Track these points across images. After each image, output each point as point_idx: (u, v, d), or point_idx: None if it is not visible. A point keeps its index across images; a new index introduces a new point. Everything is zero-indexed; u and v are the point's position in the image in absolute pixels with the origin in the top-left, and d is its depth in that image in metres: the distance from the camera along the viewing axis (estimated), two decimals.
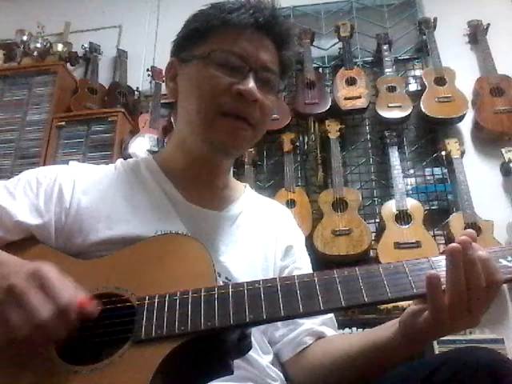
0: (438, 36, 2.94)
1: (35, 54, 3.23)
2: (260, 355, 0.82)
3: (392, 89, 2.80)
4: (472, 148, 2.72)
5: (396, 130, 2.75)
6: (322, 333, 0.88)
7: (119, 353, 0.61)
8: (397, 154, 2.62)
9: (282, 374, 0.86)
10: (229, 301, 0.64)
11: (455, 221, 2.40)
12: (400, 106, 2.74)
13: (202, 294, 0.64)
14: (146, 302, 0.65)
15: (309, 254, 1.01)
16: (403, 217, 2.44)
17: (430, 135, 2.84)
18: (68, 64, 3.27)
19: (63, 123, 2.91)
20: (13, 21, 3.41)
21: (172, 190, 0.88)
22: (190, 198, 0.87)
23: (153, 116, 2.93)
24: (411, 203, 2.49)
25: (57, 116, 2.93)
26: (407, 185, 2.68)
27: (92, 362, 0.62)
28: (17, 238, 0.79)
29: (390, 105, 2.75)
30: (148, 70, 3.11)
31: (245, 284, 0.66)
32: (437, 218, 2.56)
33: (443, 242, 2.45)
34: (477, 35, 2.95)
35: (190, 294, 0.65)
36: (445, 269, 0.63)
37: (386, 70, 2.89)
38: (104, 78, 3.29)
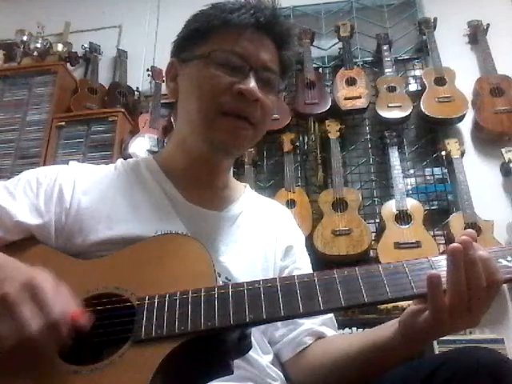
0: (438, 36, 2.94)
1: (35, 54, 3.23)
2: (260, 355, 0.82)
3: (392, 89, 2.80)
4: (472, 148, 2.72)
5: (396, 130, 2.75)
6: (321, 333, 0.88)
7: (119, 353, 0.61)
8: (397, 154, 2.62)
9: (282, 374, 0.86)
10: (229, 301, 0.64)
11: (455, 221, 2.40)
12: (400, 106, 2.74)
13: (202, 293, 0.64)
14: (146, 301, 0.65)
15: (309, 254, 1.01)
16: (403, 217, 2.44)
17: (430, 135, 2.84)
18: (68, 64, 3.27)
19: (63, 123, 2.91)
20: (13, 21, 3.41)
21: (172, 190, 0.88)
22: (190, 198, 0.87)
23: (153, 116, 2.93)
24: (411, 203, 2.49)
25: (57, 116, 2.93)
26: (407, 185, 2.68)
27: (92, 361, 0.62)
28: (17, 238, 0.79)
29: (390, 105, 2.75)
30: (148, 69, 3.11)
31: (245, 284, 0.66)
32: (437, 218, 2.56)
33: (443, 242, 2.45)
34: (477, 35, 2.95)
35: (190, 293, 0.65)
36: (445, 269, 0.63)
37: (386, 70, 2.89)
38: (104, 77, 3.29)
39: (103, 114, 2.95)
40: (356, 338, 0.82)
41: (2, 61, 3.30)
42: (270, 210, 1.01)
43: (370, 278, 0.64)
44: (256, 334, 0.81)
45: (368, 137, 2.90)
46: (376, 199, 2.72)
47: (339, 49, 3.11)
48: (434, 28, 2.98)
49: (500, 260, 0.64)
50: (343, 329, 2.02)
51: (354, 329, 2.05)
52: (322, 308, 0.63)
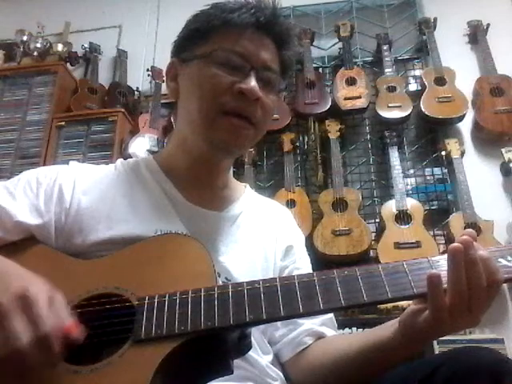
0: (438, 36, 2.94)
1: (35, 53, 3.23)
2: (260, 355, 0.82)
3: (392, 89, 2.80)
4: (472, 148, 2.72)
5: (396, 130, 2.75)
6: (321, 333, 0.89)
7: (119, 353, 0.61)
8: (397, 153, 2.62)
9: (281, 374, 0.86)
10: (229, 301, 0.64)
11: (455, 221, 2.40)
12: (400, 106, 2.74)
13: (202, 293, 0.64)
14: (146, 301, 0.65)
15: (309, 254, 1.01)
16: (403, 217, 2.44)
17: (430, 135, 2.84)
18: (68, 64, 3.27)
19: (63, 123, 2.91)
20: (13, 21, 3.41)
21: (172, 190, 0.88)
22: (190, 198, 0.87)
23: (153, 116, 2.93)
24: (411, 203, 2.49)
25: (57, 116, 2.93)
26: (407, 185, 2.68)
27: (92, 361, 0.62)
28: (17, 238, 0.79)
29: (390, 105, 2.75)
30: (148, 69, 3.11)
31: (244, 284, 0.66)
32: (437, 218, 2.56)
33: (443, 242, 2.45)
34: (477, 35, 2.95)
35: (190, 293, 0.65)
36: (444, 268, 0.63)
37: (386, 70, 2.89)
38: (104, 77, 3.29)
39: (103, 114, 2.96)
40: (356, 338, 0.81)
41: (2, 61, 3.30)
42: (270, 210, 1.01)
43: (369, 277, 0.64)
44: (256, 333, 0.81)
45: (368, 137, 2.90)
46: (376, 199, 2.72)
47: (339, 49, 3.11)
48: (434, 28, 2.98)
49: (500, 260, 0.64)
50: (343, 329, 2.02)
51: (354, 329, 2.05)
52: (321, 308, 0.63)
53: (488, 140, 2.70)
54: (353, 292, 0.63)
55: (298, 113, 2.86)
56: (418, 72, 3.03)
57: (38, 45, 3.24)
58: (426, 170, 2.78)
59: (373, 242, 2.44)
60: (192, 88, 0.86)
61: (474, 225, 2.32)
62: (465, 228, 2.31)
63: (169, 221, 0.83)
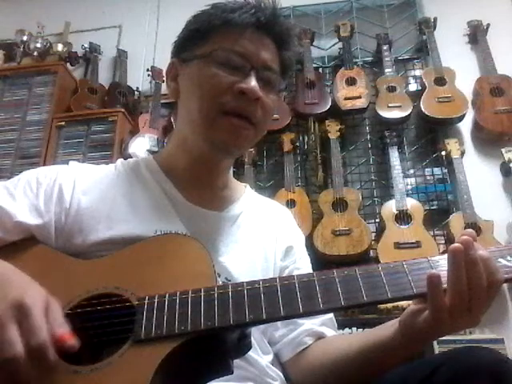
0: (438, 36, 2.94)
1: (35, 53, 3.23)
2: (260, 355, 0.82)
3: (392, 89, 2.80)
4: (472, 148, 2.72)
5: (396, 130, 2.75)
6: (321, 333, 0.89)
7: (119, 353, 0.61)
8: (397, 153, 2.62)
9: (281, 374, 0.86)
10: (228, 301, 0.64)
11: (455, 221, 2.40)
12: (400, 106, 2.74)
13: (202, 293, 0.64)
14: (146, 301, 0.65)
15: (309, 254, 1.01)
16: (403, 217, 2.44)
17: (430, 135, 2.84)
18: (68, 64, 3.27)
19: (63, 123, 2.91)
20: (13, 21, 3.41)
21: (172, 190, 0.88)
22: (190, 198, 0.87)
23: (153, 116, 2.93)
24: (411, 203, 2.49)
25: (57, 116, 2.93)
26: (407, 185, 2.68)
27: (92, 361, 0.62)
28: (16, 238, 0.79)
29: (390, 105, 2.75)
30: (148, 69, 3.11)
31: (244, 284, 0.66)
32: (437, 218, 2.56)
33: (443, 242, 2.45)
34: (477, 35, 2.95)
35: (190, 293, 0.65)
36: (444, 268, 0.63)
37: (386, 70, 2.89)
38: (104, 77, 3.29)
39: (103, 114, 2.95)
40: (356, 338, 0.82)
41: (2, 61, 3.30)
42: (270, 211, 1.01)
43: (369, 277, 0.64)
44: (256, 334, 0.81)
45: (368, 137, 2.90)
46: (376, 199, 2.72)
47: (339, 49, 3.11)
48: (434, 28, 2.98)
49: (500, 260, 0.64)
50: (343, 329, 2.02)
51: (354, 329, 2.05)
52: (321, 308, 0.63)
53: (488, 140, 2.70)
54: (353, 292, 0.63)
55: (297, 113, 2.86)
56: (418, 72, 3.03)
57: (38, 45, 3.24)
58: (426, 170, 2.78)
59: (373, 242, 2.44)
60: (192, 88, 0.86)
61: (473, 225, 2.32)
62: (465, 228, 2.31)
63: (169, 221, 0.83)
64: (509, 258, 0.65)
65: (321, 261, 2.37)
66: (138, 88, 3.19)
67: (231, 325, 0.62)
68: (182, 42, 0.90)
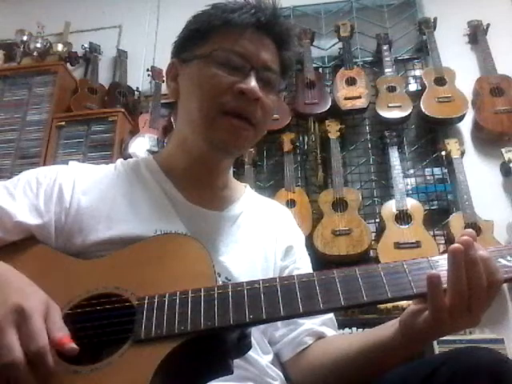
0: (438, 36, 2.94)
1: (35, 54, 3.23)
2: (260, 355, 0.82)
3: (392, 89, 2.80)
4: (472, 148, 2.72)
5: (396, 130, 2.75)
6: (322, 333, 0.89)
7: (119, 353, 0.61)
8: (397, 153, 2.62)
9: (281, 374, 0.86)
10: (228, 301, 0.64)
11: (455, 221, 2.40)
12: (400, 106, 2.74)
13: (202, 293, 0.64)
14: (146, 301, 0.65)
15: (309, 254, 1.01)
16: (403, 217, 2.44)
17: (430, 135, 2.84)
18: (68, 64, 3.27)
19: (63, 123, 2.91)
20: (13, 21, 3.41)
21: (172, 190, 0.88)
22: (190, 198, 0.87)
23: (153, 116, 2.93)
24: (411, 203, 2.49)
25: (57, 116, 2.93)
26: (407, 185, 2.68)
27: (92, 361, 0.62)
28: (17, 238, 0.79)
29: (390, 105, 2.75)
30: (148, 69, 3.11)
31: (244, 284, 0.66)
32: (437, 218, 2.56)
33: (443, 242, 2.45)
34: (477, 35, 2.95)
35: (190, 293, 0.65)
36: (444, 268, 0.63)
37: (386, 70, 2.89)
38: (104, 77, 3.29)
39: (103, 114, 2.95)
40: (356, 338, 0.81)
41: (2, 61, 3.30)
42: (271, 210, 1.01)
43: (369, 277, 0.64)
44: (256, 333, 0.81)
45: (368, 137, 2.90)
46: (376, 199, 2.72)
47: (339, 49, 3.11)
48: (434, 28, 2.98)
49: (500, 260, 0.64)
50: (343, 329, 2.02)
51: (354, 329, 2.05)
52: (321, 308, 0.63)
53: (488, 140, 2.69)
54: (353, 292, 0.63)
55: (297, 113, 2.86)
56: (418, 72, 3.03)
57: (38, 45, 3.24)
58: (426, 170, 2.78)
59: (373, 242, 2.44)
60: (192, 88, 0.86)
61: (474, 225, 2.32)
62: (465, 228, 2.31)
63: (169, 221, 0.83)
64: (509, 257, 0.65)
65: (321, 261, 2.37)
66: (137, 88, 3.19)
67: (231, 325, 0.62)
68: (182, 42, 0.90)
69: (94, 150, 2.84)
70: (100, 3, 3.50)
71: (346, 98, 2.80)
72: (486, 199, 2.49)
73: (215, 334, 0.63)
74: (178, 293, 0.65)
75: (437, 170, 2.74)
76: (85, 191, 0.84)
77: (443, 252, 2.24)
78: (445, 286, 0.62)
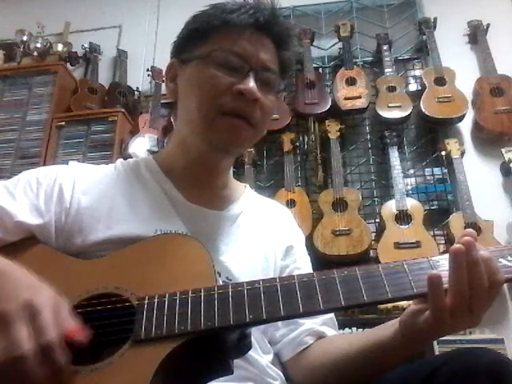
0: (438, 36, 2.94)
1: (35, 54, 3.23)
2: (260, 355, 0.82)
3: (392, 89, 2.80)
4: (472, 148, 2.72)
5: (396, 130, 2.76)
6: (322, 333, 0.89)
7: (119, 353, 0.61)
8: (397, 153, 2.62)
9: (282, 374, 0.86)
10: (228, 301, 0.64)
11: (455, 221, 2.40)
12: (400, 106, 2.74)
13: (202, 293, 0.64)
14: (146, 301, 0.65)
15: (309, 254, 1.01)
16: (403, 217, 2.44)
17: (430, 135, 2.84)
18: (68, 64, 3.27)
19: (63, 123, 2.91)
20: (13, 21, 3.41)
21: (172, 190, 0.88)
22: (190, 198, 0.87)
23: (153, 116, 2.93)
24: (411, 203, 2.49)
25: (57, 116, 2.93)
26: (407, 185, 2.69)
27: (92, 361, 0.62)
28: (17, 238, 0.79)
29: (390, 105, 2.75)
30: (148, 69, 3.11)
31: (244, 284, 0.66)
32: (437, 218, 2.56)
33: (443, 242, 2.45)
34: (477, 35, 2.95)
35: (190, 293, 0.65)
36: (445, 268, 0.63)
37: (386, 70, 2.89)
38: (104, 77, 3.29)
39: (103, 114, 2.96)
40: (356, 338, 0.81)
41: (2, 61, 3.30)
42: (270, 210, 1.01)
43: (369, 277, 0.64)
44: (256, 333, 0.81)
45: (368, 137, 2.90)
46: (376, 199, 2.72)
47: (339, 49, 3.11)
48: (434, 28, 2.98)
49: (500, 260, 0.64)
50: (343, 329, 2.02)
51: (354, 329, 2.05)
52: (321, 308, 0.63)
53: (488, 140, 2.70)
54: (353, 292, 0.63)
55: (297, 113, 2.86)
56: (418, 72, 3.03)
57: (38, 45, 3.24)
58: (426, 170, 2.78)
59: (373, 242, 2.44)
60: (191, 89, 0.86)
61: (474, 225, 2.32)
62: (465, 228, 2.31)
63: (169, 221, 0.83)
64: (509, 257, 0.65)
65: (321, 261, 2.37)
66: (138, 88, 3.19)
67: (231, 325, 0.62)
68: (182, 43, 0.90)
69: (94, 150, 2.84)
70: (100, 3, 3.50)
71: (345, 98, 2.80)
72: (485, 199, 2.49)
73: (215, 334, 0.63)
74: (178, 293, 0.65)
75: (437, 170, 2.74)
76: (85, 191, 0.84)
77: (443, 252, 2.24)
78: (445, 286, 0.62)
